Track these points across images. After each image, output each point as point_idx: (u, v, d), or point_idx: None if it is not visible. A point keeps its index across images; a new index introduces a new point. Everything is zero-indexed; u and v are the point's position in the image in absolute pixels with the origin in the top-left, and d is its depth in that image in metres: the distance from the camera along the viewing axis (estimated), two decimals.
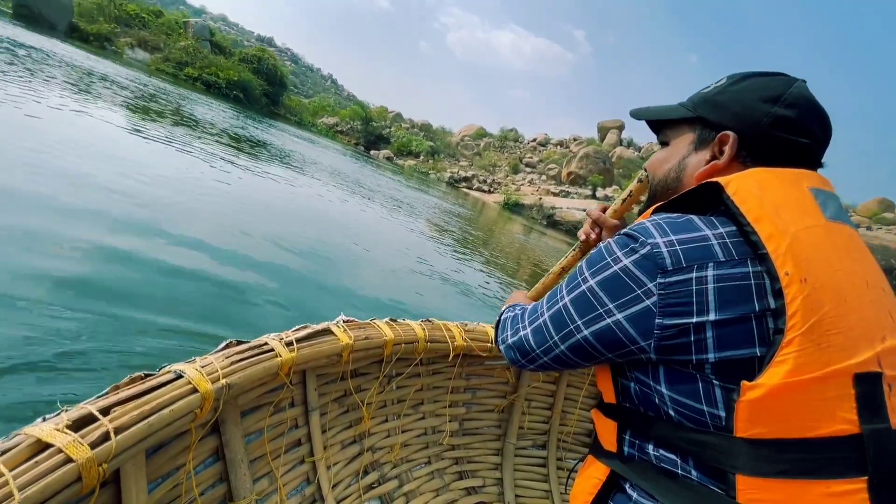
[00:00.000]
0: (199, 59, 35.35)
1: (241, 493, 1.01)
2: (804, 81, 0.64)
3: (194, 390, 0.81)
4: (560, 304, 0.65)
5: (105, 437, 0.67)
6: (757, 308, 0.49)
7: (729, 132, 0.63)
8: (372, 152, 45.60)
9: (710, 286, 0.50)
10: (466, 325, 1.52)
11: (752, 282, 0.50)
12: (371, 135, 50.18)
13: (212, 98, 29.09)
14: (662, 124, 0.75)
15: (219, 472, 1.00)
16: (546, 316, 0.67)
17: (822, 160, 0.64)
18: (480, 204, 32.86)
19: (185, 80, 33.15)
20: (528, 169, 50.54)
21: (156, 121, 10.05)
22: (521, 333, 0.71)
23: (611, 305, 0.57)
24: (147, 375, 0.81)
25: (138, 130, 7.97)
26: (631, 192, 0.94)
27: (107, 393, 0.75)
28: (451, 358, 1.46)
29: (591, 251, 0.65)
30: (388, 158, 44.90)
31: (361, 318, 1.28)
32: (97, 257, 2.98)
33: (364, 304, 4.11)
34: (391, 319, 1.32)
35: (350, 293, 4.24)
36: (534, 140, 60.41)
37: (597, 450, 0.68)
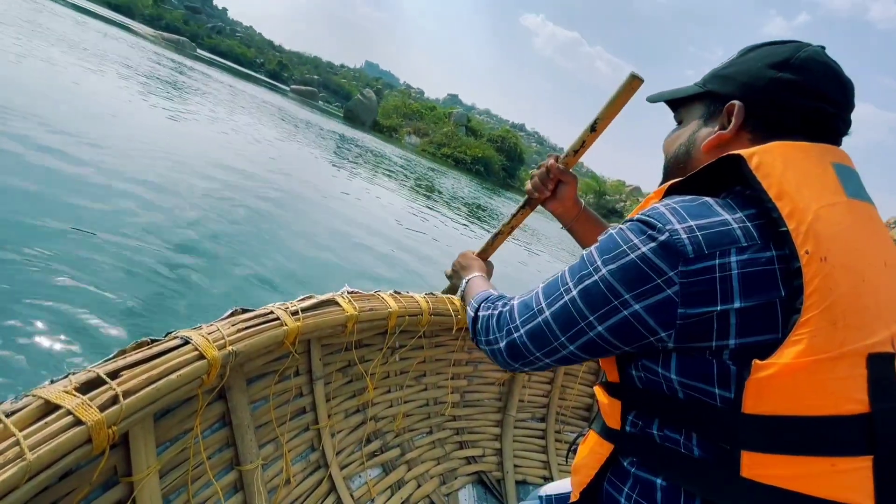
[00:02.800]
0: (454, 140, 42.20)
1: (247, 457, 1.02)
2: (822, 47, 0.60)
3: (201, 357, 0.80)
4: (566, 297, 0.59)
5: (114, 401, 0.67)
6: (783, 293, 0.47)
7: (735, 101, 0.61)
8: None
9: (734, 272, 0.48)
10: None
11: (777, 266, 0.48)
12: (602, 208, 48.73)
13: (458, 171, 33.78)
14: (678, 104, 0.74)
15: (226, 437, 1.01)
16: (548, 314, 0.61)
17: (847, 130, 0.60)
18: None
19: (441, 157, 39.68)
20: None
21: (411, 185, 14.15)
22: (515, 336, 0.65)
23: (627, 296, 0.53)
24: (154, 341, 0.80)
25: (398, 192, 11.37)
26: (584, 141, 0.96)
27: (113, 357, 0.74)
28: (454, 331, 1.45)
29: (602, 237, 0.59)
30: None
31: None
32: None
33: None
34: (395, 292, 1.32)
35: None
36: None
37: (599, 425, 0.66)
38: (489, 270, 1.11)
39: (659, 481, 0.55)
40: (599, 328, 0.56)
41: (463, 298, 1.01)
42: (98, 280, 2.43)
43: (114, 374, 0.71)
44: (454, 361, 1.60)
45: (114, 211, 3.37)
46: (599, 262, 0.56)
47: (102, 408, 0.65)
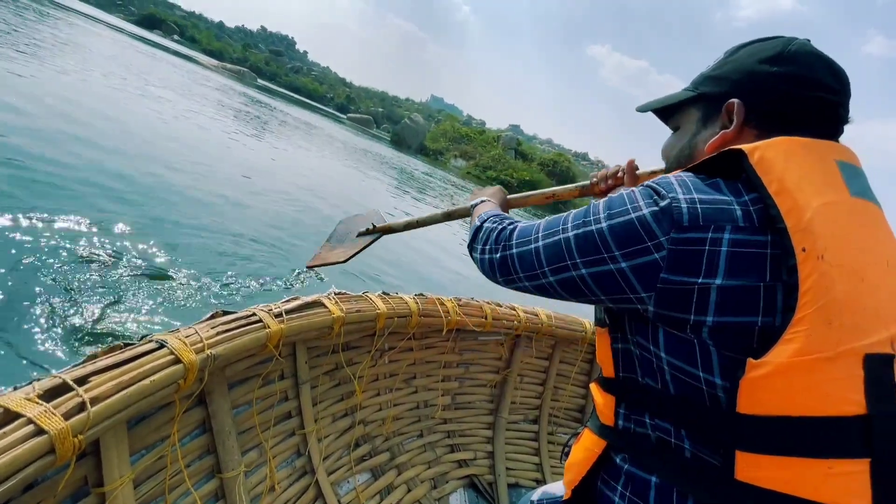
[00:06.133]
0: (501, 163, 41.16)
1: (229, 464, 0.97)
2: (807, 40, 0.60)
3: (177, 361, 0.76)
4: (561, 236, 0.60)
5: (80, 408, 0.63)
6: (768, 279, 0.46)
7: (734, 100, 0.60)
8: None
9: (724, 249, 0.47)
10: (461, 300, 1.45)
11: (769, 251, 0.47)
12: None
13: None
14: (670, 112, 0.72)
15: (206, 444, 0.96)
16: (541, 244, 0.63)
17: (847, 117, 0.59)
18: None
19: (486, 180, 38.81)
20: None
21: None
22: (508, 253, 0.68)
23: (617, 252, 0.54)
24: (127, 345, 0.76)
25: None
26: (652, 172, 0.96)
27: (83, 362, 0.70)
28: (444, 332, 1.40)
29: (613, 195, 0.59)
30: None
31: None
32: None
33: None
34: (384, 293, 1.28)
35: None
36: None
37: (593, 423, 0.65)
38: (507, 210, 1.06)
39: (653, 479, 0.53)
40: (584, 270, 0.57)
41: (472, 211, 0.99)
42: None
43: (82, 380, 0.66)
44: (445, 363, 1.55)
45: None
46: (602, 215, 0.57)
47: (68, 416, 0.61)
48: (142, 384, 0.70)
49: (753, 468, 0.45)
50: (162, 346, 0.77)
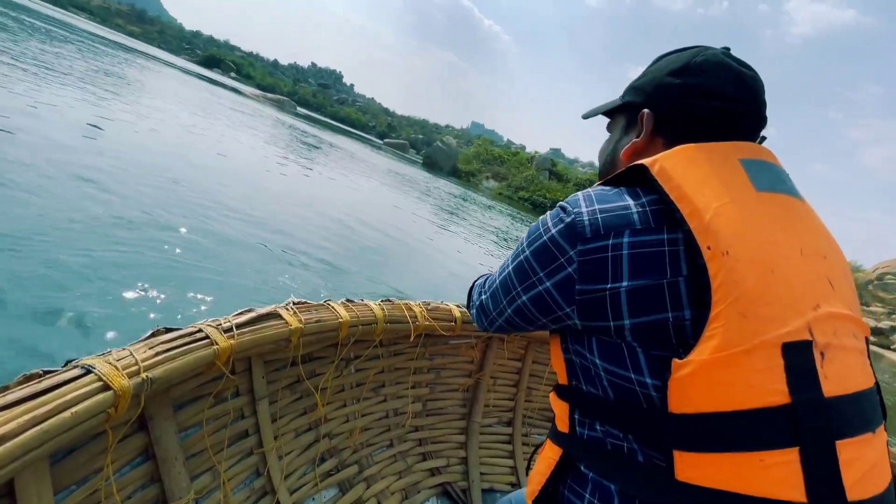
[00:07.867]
0: (535, 184, 40.58)
1: (175, 493, 0.91)
2: (724, 49, 0.62)
3: (106, 388, 0.69)
4: (506, 272, 0.67)
5: None
6: (669, 275, 0.48)
7: (645, 110, 0.63)
8: None
9: (625, 252, 0.50)
10: (429, 304, 1.40)
11: (666, 248, 0.49)
12: None
13: (535, 215, 31.79)
14: (609, 117, 0.76)
15: (149, 472, 0.89)
16: (498, 282, 0.70)
17: (762, 125, 0.61)
18: None
19: (518, 200, 38.36)
20: None
21: (475, 226, 13.84)
22: (483, 297, 0.76)
23: (541, 274, 0.59)
24: (47, 372, 0.68)
25: (455, 230, 11.23)
26: None
27: None
28: (412, 338, 1.35)
29: (533, 224, 0.65)
30: None
31: None
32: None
33: None
34: (347, 300, 1.23)
35: None
36: None
37: (553, 432, 0.66)
38: None
39: (613, 486, 0.54)
40: (524, 297, 0.62)
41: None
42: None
43: None
44: (415, 370, 1.49)
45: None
46: (525, 245, 0.62)
47: None
48: (61, 417, 0.62)
49: (691, 467, 0.45)
50: (88, 371, 0.69)
